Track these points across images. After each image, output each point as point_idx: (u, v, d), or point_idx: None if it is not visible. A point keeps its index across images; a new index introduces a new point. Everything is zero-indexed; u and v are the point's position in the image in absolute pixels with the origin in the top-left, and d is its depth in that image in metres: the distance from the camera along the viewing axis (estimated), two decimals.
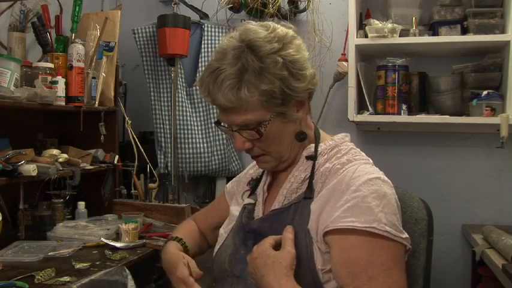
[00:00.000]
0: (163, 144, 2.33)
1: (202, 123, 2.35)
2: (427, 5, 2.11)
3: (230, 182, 1.30)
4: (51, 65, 1.82)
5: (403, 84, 2.06)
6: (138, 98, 2.52)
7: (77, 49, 1.89)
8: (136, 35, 2.31)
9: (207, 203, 2.36)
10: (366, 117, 2.09)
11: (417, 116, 2.05)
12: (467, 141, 2.20)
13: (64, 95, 1.85)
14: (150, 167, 2.22)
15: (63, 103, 1.84)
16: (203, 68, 2.29)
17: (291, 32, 1.01)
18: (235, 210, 1.15)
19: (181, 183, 2.26)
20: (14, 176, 1.57)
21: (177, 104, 2.26)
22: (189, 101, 2.34)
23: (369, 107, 2.11)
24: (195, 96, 2.34)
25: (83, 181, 1.89)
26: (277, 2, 2.23)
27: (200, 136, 2.33)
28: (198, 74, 2.33)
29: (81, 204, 2.00)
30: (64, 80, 1.85)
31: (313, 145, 1.06)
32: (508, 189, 2.14)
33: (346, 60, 2.13)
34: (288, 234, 0.95)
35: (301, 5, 2.31)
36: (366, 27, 2.04)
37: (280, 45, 0.96)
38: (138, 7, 2.60)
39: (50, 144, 1.97)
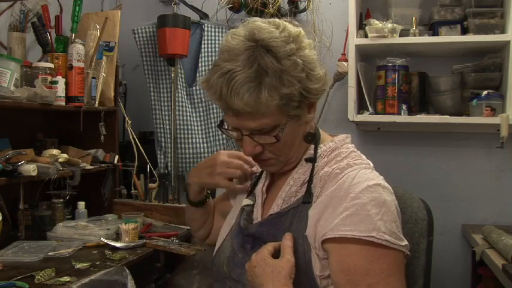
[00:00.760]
0: (163, 144, 2.33)
1: (202, 123, 2.35)
2: (427, 5, 2.11)
3: None
4: (51, 65, 1.82)
5: (403, 84, 2.06)
6: (138, 98, 2.52)
7: (77, 49, 1.89)
8: (136, 35, 2.30)
9: None
10: (365, 117, 2.08)
11: (417, 116, 2.05)
12: (467, 141, 2.19)
13: (64, 95, 1.85)
14: (150, 167, 2.22)
15: (63, 103, 1.84)
16: (203, 68, 2.31)
17: (302, 31, 0.97)
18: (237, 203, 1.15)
19: (181, 183, 2.26)
20: (14, 176, 1.57)
21: (177, 104, 2.26)
22: (189, 101, 2.33)
23: (369, 107, 2.11)
24: (195, 96, 2.33)
25: (83, 181, 1.89)
26: (277, 2, 2.23)
27: (200, 136, 2.33)
28: (198, 74, 2.32)
29: (81, 204, 2.00)
30: (64, 80, 1.85)
31: (312, 146, 1.04)
32: (508, 189, 2.14)
33: (346, 60, 2.12)
34: (287, 242, 0.93)
35: (301, 5, 2.31)
36: (366, 27, 2.04)
37: (297, 45, 0.93)
38: (138, 7, 2.60)
39: (50, 144, 1.97)
